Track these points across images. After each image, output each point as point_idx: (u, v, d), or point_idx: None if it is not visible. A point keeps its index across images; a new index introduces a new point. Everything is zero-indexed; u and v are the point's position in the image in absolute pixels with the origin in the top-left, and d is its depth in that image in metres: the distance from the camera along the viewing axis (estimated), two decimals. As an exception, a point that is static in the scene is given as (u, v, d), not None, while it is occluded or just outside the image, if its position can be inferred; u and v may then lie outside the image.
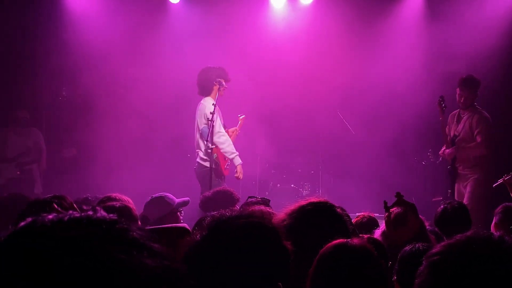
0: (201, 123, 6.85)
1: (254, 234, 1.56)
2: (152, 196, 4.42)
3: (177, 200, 4.41)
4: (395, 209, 3.20)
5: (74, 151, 8.46)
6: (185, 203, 4.48)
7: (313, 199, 2.45)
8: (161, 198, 4.40)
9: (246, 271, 1.49)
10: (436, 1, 8.85)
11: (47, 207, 2.76)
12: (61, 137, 8.40)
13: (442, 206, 4.43)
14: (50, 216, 0.88)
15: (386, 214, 3.21)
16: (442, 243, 1.26)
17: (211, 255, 1.51)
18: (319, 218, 2.33)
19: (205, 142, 6.63)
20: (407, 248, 2.57)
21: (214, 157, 6.73)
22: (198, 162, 6.92)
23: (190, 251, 1.56)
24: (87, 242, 0.83)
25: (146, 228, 2.37)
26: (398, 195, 3.29)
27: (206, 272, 1.49)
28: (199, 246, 1.55)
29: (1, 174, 8.10)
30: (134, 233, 0.89)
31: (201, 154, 6.85)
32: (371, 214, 4.08)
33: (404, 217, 3.12)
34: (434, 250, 1.28)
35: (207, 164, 6.75)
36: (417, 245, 2.55)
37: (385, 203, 3.26)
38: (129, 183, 7.86)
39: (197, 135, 6.97)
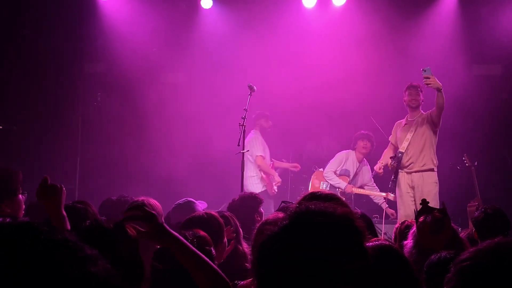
0: (334, 164, 8.29)
1: (340, 233, 1.51)
2: (178, 203, 4.38)
3: (200, 205, 4.43)
4: (424, 217, 3.04)
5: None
6: (206, 208, 4.51)
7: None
8: (188, 204, 4.37)
9: (328, 266, 1.46)
10: (470, 3, 8.68)
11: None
12: (96, 142, 8.52)
13: (482, 210, 4.35)
14: None
15: (419, 221, 3.06)
16: (470, 249, 1.27)
17: (291, 247, 1.49)
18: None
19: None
20: (433, 256, 2.54)
21: None
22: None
23: (269, 239, 1.54)
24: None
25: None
26: (424, 202, 3.14)
27: (284, 262, 1.48)
28: (280, 235, 1.53)
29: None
30: (69, 243, 0.90)
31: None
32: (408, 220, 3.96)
33: (441, 224, 3.01)
34: (462, 257, 1.28)
35: None
36: (443, 254, 2.51)
37: (415, 211, 3.17)
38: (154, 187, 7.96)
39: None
